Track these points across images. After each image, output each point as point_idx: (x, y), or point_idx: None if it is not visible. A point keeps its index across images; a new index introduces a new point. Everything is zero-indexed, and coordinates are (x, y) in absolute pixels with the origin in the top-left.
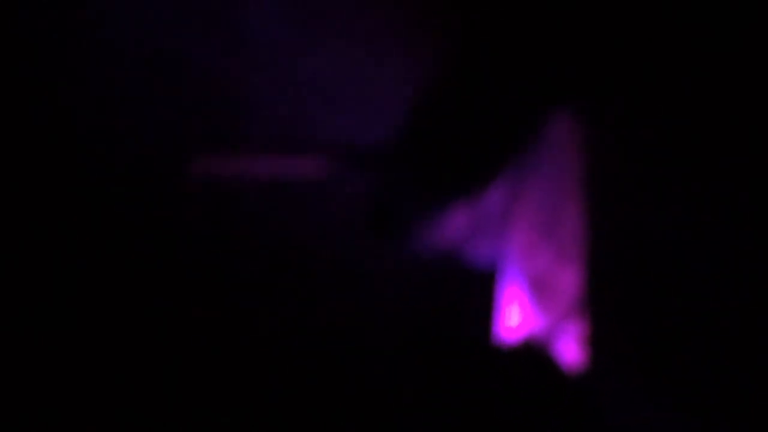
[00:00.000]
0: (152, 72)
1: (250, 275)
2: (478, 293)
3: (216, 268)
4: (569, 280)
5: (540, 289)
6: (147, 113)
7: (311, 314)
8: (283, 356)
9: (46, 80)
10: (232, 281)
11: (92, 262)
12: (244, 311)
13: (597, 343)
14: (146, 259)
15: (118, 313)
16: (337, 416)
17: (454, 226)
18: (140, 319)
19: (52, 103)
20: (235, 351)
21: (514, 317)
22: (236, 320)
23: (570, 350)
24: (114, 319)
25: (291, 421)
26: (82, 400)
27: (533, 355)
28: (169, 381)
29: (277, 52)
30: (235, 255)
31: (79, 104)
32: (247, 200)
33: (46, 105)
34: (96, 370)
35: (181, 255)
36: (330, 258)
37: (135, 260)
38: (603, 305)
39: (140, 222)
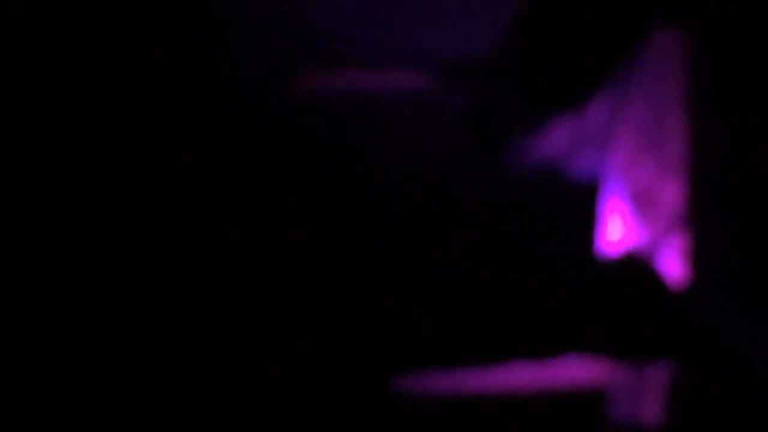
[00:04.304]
0: None
1: (351, 185)
2: (580, 207)
3: (316, 178)
4: (672, 193)
5: (642, 203)
6: (253, 26)
7: (410, 224)
8: (384, 260)
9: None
10: (331, 191)
11: (198, 175)
12: (345, 218)
13: (700, 257)
14: (256, 170)
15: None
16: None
17: (556, 140)
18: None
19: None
20: (337, 248)
21: (617, 231)
22: (338, 225)
23: (673, 264)
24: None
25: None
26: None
27: (636, 268)
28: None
29: None
30: (338, 164)
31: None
32: (350, 113)
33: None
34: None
35: (287, 163)
36: (431, 170)
37: (244, 173)
38: (706, 219)
39: (247, 136)
